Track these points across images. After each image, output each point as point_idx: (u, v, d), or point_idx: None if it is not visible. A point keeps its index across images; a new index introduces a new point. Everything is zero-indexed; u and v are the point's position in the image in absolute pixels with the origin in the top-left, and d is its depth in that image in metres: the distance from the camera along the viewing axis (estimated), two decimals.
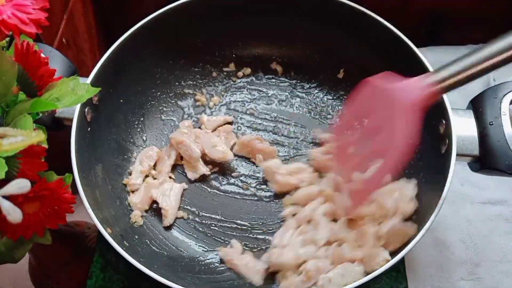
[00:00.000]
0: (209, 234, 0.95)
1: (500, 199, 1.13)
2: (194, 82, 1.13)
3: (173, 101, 1.10)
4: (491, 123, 0.84)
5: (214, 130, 1.06)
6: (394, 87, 0.73)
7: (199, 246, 0.94)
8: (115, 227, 0.85)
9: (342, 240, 0.86)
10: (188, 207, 0.98)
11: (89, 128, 0.91)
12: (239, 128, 1.08)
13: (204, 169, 1.00)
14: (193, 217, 0.97)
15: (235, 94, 1.12)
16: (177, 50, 1.09)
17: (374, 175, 0.77)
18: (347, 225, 0.88)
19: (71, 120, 0.86)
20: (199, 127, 1.05)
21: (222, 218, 0.97)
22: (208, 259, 0.92)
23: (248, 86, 1.13)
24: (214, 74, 1.13)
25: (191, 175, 1.00)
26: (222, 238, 0.95)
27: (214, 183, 1.01)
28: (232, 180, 1.01)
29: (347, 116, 0.84)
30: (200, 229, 0.96)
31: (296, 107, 1.10)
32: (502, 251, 1.07)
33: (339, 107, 1.09)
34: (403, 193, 0.88)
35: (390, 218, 0.86)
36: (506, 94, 0.85)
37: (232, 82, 1.13)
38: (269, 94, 1.12)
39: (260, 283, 0.88)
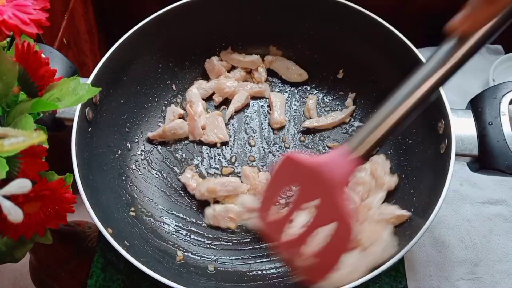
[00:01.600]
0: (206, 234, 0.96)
1: (499, 199, 1.13)
2: (195, 82, 1.13)
3: (174, 101, 1.10)
4: (490, 123, 0.84)
5: None
6: (319, 163, 0.71)
7: (198, 246, 0.94)
8: (116, 227, 0.85)
9: None
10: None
11: (89, 128, 0.91)
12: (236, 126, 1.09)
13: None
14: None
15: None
16: (178, 50, 1.10)
17: (332, 249, 0.73)
18: None
19: (71, 120, 0.86)
20: None
21: None
22: (208, 258, 0.93)
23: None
24: None
25: None
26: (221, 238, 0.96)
27: None
28: None
29: (271, 192, 0.80)
30: (198, 229, 0.97)
31: (296, 107, 1.10)
32: (501, 251, 1.08)
33: (339, 107, 1.09)
34: (384, 169, 0.95)
35: (375, 192, 0.93)
36: (505, 94, 0.85)
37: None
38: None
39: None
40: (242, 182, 1.00)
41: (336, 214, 0.70)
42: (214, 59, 1.12)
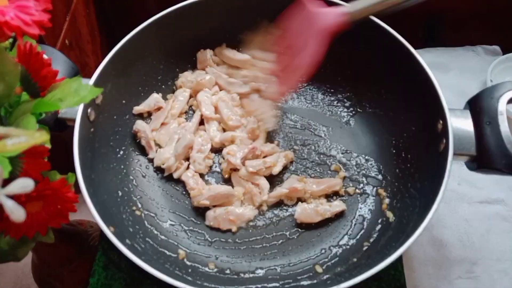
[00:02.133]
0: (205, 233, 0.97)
1: (497, 198, 1.13)
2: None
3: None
4: (488, 122, 0.84)
5: None
6: (317, 11, 0.86)
7: (199, 244, 0.95)
8: (118, 226, 0.85)
9: None
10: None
11: (92, 129, 0.92)
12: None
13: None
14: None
15: None
16: (179, 51, 1.10)
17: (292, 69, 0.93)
18: None
19: (73, 120, 0.86)
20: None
21: None
22: (209, 257, 0.93)
23: None
24: None
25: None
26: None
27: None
28: None
29: (282, 34, 0.96)
30: (199, 230, 0.97)
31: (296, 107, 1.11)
32: (499, 250, 1.08)
33: (339, 109, 1.10)
34: None
35: None
36: (502, 94, 0.85)
37: None
38: None
39: None
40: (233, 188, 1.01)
41: (307, 47, 0.88)
42: (209, 52, 1.13)
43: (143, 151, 1.04)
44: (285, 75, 0.97)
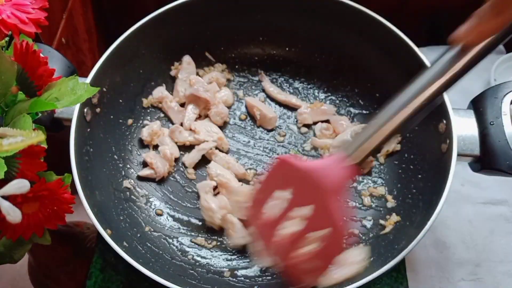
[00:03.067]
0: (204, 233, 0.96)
1: (501, 199, 1.13)
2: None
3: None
4: (491, 123, 0.84)
5: None
6: (312, 168, 0.70)
7: (198, 247, 0.94)
8: (114, 228, 0.84)
9: None
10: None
11: (88, 129, 0.91)
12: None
13: None
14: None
15: (235, 92, 1.12)
16: (176, 49, 1.09)
17: (321, 254, 0.72)
18: None
19: (70, 120, 0.85)
20: None
21: None
22: (208, 260, 0.92)
23: (249, 86, 1.13)
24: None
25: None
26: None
27: None
28: None
29: (262, 192, 0.78)
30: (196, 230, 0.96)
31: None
32: (503, 252, 1.07)
33: (341, 107, 1.08)
34: None
35: None
36: (506, 94, 0.85)
37: (230, 81, 1.13)
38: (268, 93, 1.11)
39: None
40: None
41: (328, 221, 0.69)
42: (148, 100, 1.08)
43: (141, 149, 1.03)
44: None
